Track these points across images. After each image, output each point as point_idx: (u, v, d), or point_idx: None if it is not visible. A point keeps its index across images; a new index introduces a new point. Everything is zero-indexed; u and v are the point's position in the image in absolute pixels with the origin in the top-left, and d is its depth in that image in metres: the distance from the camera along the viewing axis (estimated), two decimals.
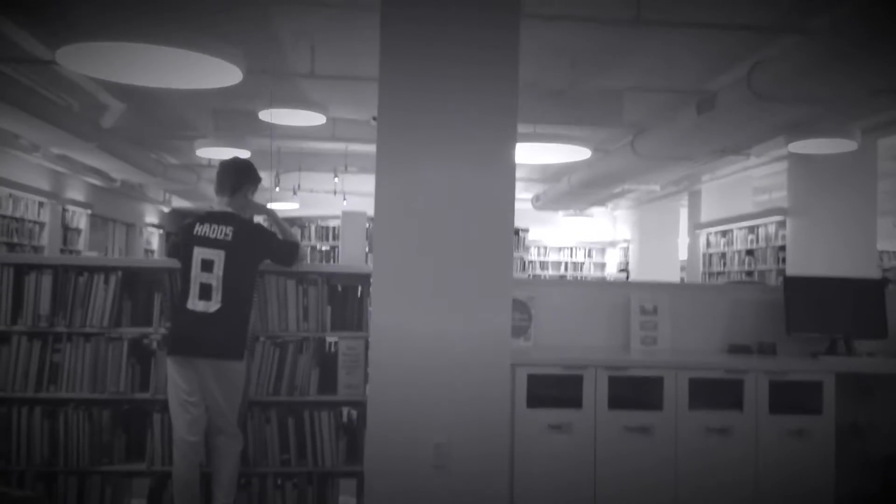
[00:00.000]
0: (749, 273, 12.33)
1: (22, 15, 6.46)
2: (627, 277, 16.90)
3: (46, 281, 3.89)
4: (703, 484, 3.85)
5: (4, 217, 11.24)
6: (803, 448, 3.89)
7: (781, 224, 11.33)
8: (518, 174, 3.91)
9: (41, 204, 12.38)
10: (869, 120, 8.48)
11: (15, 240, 11.49)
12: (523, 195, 15.96)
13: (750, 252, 12.46)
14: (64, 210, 13.33)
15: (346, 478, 4.01)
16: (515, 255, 9.59)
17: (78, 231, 13.98)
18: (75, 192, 13.87)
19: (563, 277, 18.80)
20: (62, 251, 12.94)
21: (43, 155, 11.41)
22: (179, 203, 18.36)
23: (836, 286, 4.55)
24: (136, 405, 3.95)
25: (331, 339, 4.11)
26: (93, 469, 3.85)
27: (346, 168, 13.19)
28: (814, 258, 10.02)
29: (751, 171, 12.12)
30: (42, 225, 12.40)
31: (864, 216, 9.65)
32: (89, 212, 14.35)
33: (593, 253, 19.80)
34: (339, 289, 4.09)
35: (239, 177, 3.90)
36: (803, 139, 8.25)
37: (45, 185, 12.56)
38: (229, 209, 3.85)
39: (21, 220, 11.71)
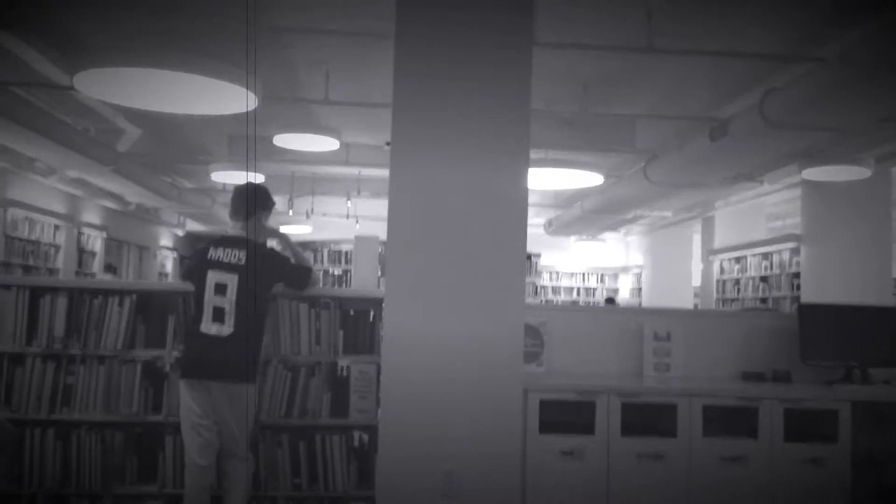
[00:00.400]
0: (763, 300, 12.26)
1: (41, 41, 6.56)
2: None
3: (61, 303, 3.91)
4: None
5: (21, 240, 11.32)
6: (819, 477, 3.85)
7: (795, 251, 11.28)
8: (530, 199, 3.92)
9: (57, 227, 12.48)
10: (882, 148, 8.46)
11: (31, 262, 11.57)
12: (536, 220, 15.97)
13: (764, 279, 12.40)
14: (79, 233, 13.43)
15: (357, 502, 3.99)
16: (527, 280, 9.59)
17: (93, 254, 14.07)
18: (91, 216, 13.98)
19: (575, 303, 18.74)
20: (77, 274, 13.02)
21: (59, 178, 11.52)
22: (194, 226, 18.46)
23: (851, 313, 4.52)
24: (149, 427, 3.96)
25: (343, 363, 4.12)
26: (105, 491, 3.84)
27: (359, 192, 13.25)
28: (828, 285, 9.95)
29: (764, 197, 12.09)
30: (57, 247, 12.49)
31: (879, 243, 9.60)
32: (104, 235, 14.45)
33: (606, 278, 19.75)
34: (352, 313, 4.10)
35: (252, 202, 3.92)
36: (816, 166, 8.23)
37: (60, 208, 12.67)
38: (243, 233, 3.87)
39: (37, 243, 11.80)
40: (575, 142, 8.54)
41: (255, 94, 4.57)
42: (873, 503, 4.09)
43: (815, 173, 8.46)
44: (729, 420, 3.93)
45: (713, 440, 3.86)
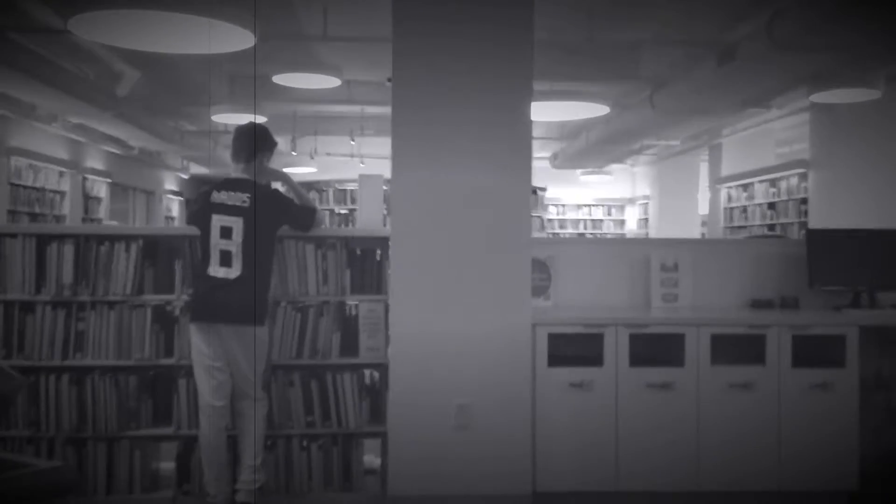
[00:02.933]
0: (771, 227, 12.22)
1: None
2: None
3: (68, 251, 3.91)
4: (726, 438, 3.85)
5: (25, 187, 11.32)
6: (827, 401, 3.88)
7: (803, 176, 11.19)
8: (535, 132, 3.89)
9: (61, 174, 12.46)
10: (892, 67, 8.30)
11: (37, 210, 11.59)
12: (541, 154, 15.85)
13: (771, 206, 12.34)
14: (84, 179, 13.41)
15: (370, 438, 4.05)
16: (534, 214, 9.54)
17: (98, 200, 14.07)
18: (94, 161, 13.94)
19: (582, 236, 18.73)
20: (84, 220, 13.04)
21: (61, 125, 11.45)
22: (198, 170, 18.41)
23: (859, 238, 4.50)
24: (162, 371, 4.00)
25: (351, 302, 4.13)
26: (121, 434, 3.91)
27: (362, 131, 13.15)
28: (836, 211, 9.91)
29: (772, 123, 11.95)
30: (63, 194, 12.48)
31: (889, 167, 9.50)
32: (109, 180, 14.43)
33: (612, 211, 19.69)
34: (358, 252, 4.09)
35: (254, 143, 3.89)
36: (825, 89, 8.11)
37: (64, 154, 12.63)
38: (246, 175, 3.84)
39: (42, 190, 11.79)
40: (580, 71, 8.40)
41: (253, 31, 4.50)
42: (881, 425, 4.14)
43: (823, 96, 8.34)
44: (737, 348, 3.95)
45: (721, 368, 3.89)
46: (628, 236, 18.11)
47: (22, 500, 2.37)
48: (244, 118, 7.36)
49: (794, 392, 3.88)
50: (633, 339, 3.88)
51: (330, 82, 8.25)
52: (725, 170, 14.11)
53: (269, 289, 3.84)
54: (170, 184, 18.33)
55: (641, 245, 5.03)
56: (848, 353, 3.89)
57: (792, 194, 11.63)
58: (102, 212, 14.09)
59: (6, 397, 2.78)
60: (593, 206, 19.63)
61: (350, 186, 15.37)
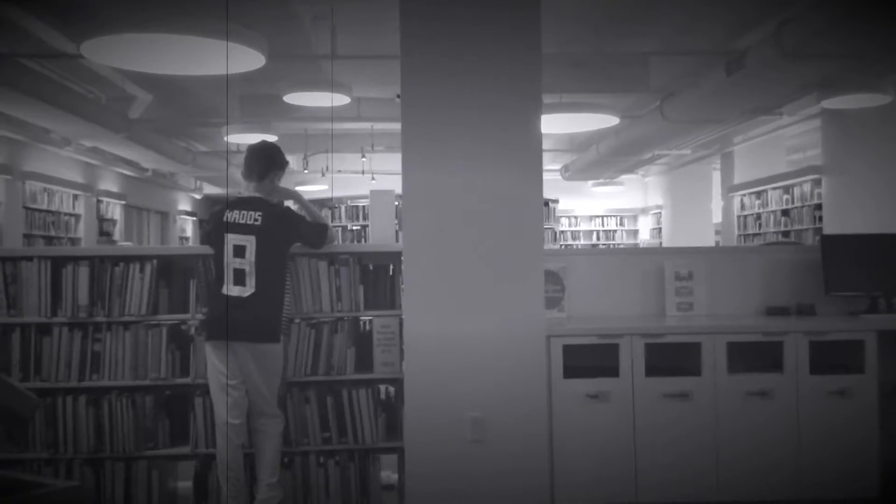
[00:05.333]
0: (785, 234, 12.15)
1: (44, 9, 6.52)
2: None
3: (83, 272, 3.94)
4: (744, 447, 3.82)
5: (40, 211, 11.41)
6: (846, 408, 3.85)
7: (817, 182, 11.13)
8: (545, 145, 3.89)
9: (75, 196, 12.56)
10: None
11: (52, 233, 11.68)
12: (552, 166, 15.85)
13: (785, 212, 12.28)
14: (98, 202, 13.51)
15: (386, 454, 4.04)
16: (546, 226, 9.53)
17: (113, 222, 14.17)
18: (108, 184, 14.04)
19: (595, 247, 18.69)
20: (99, 242, 13.13)
21: (74, 148, 11.56)
22: (211, 190, 18.52)
23: (874, 243, 4.47)
24: (178, 390, 4.01)
25: (365, 318, 4.13)
26: (138, 454, 3.92)
27: (372, 147, 13.20)
28: (851, 216, 9.84)
29: (783, 130, 11.91)
30: (77, 217, 12.58)
31: None
32: (123, 202, 14.53)
33: (625, 221, 19.64)
34: (371, 268, 4.10)
35: (266, 162, 3.91)
36: (836, 95, 8.09)
37: (78, 177, 12.73)
38: (258, 194, 3.87)
39: (57, 214, 11.89)
40: (588, 84, 8.41)
41: (262, 52, 4.53)
42: None
43: (834, 102, 8.32)
44: (754, 356, 3.93)
45: (738, 376, 3.86)
46: (641, 246, 18.05)
47: None
48: (256, 137, 7.42)
49: (812, 399, 3.85)
50: (649, 348, 3.86)
51: (340, 100, 8.30)
52: (738, 178, 14.05)
53: (284, 306, 3.85)
54: (183, 204, 18.43)
55: (655, 254, 5.02)
56: (867, 358, 3.86)
57: (805, 200, 11.57)
58: (117, 233, 14.18)
59: (23, 418, 2.79)
60: (606, 216, 19.59)
61: (362, 202, 15.40)
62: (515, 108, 3.77)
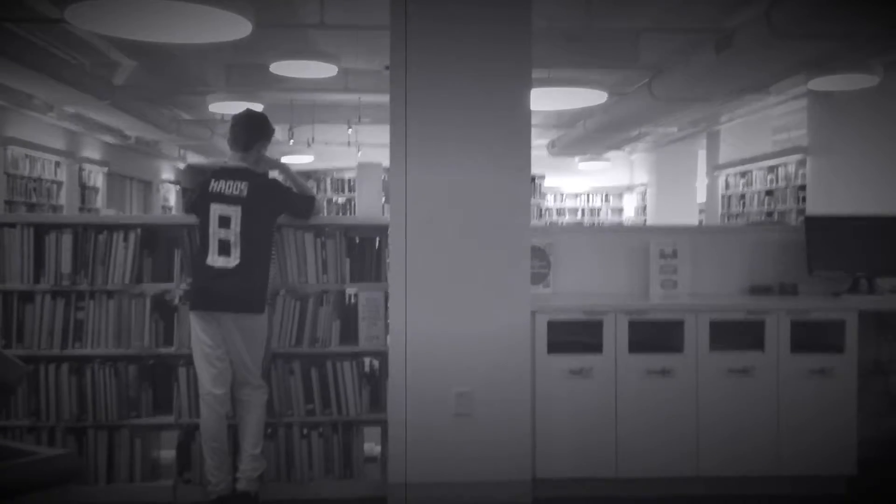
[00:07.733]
0: (769, 214, 12.22)
1: None
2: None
3: (67, 240, 3.91)
4: (725, 424, 3.86)
5: (22, 177, 11.29)
6: (826, 386, 3.89)
7: (802, 163, 11.18)
8: (533, 120, 3.88)
9: (58, 163, 12.43)
10: (890, 55, 8.29)
11: (34, 199, 11.56)
12: (538, 141, 15.82)
13: (769, 192, 12.34)
14: (80, 169, 13.38)
15: (370, 426, 4.06)
16: (532, 202, 9.52)
17: (95, 189, 14.04)
18: (91, 151, 13.89)
19: (580, 223, 18.73)
20: (81, 210, 13.02)
21: (57, 114, 11.41)
22: (195, 158, 18.37)
23: (857, 224, 4.50)
24: (162, 360, 4.00)
25: (350, 290, 4.13)
26: (121, 423, 3.91)
27: (359, 119, 13.12)
28: (835, 197, 9.91)
29: (770, 109, 11.93)
30: (60, 184, 12.45)
31: (886, 152, 9.49)
32: (106, 170, 14.39)
33: (610, 198, 19.68)
34: (357, 241, 4.09)
35: (252, 131, 3.87)
36: (823, 76, 8.10)
37: (60, 144, 12.59)
38: (243, 164, 3.83)
39: (39, 180, 11.77)
40: (578, 59, 8.37)
41: (249, 19, 4.48)
42: (880, 411, 4.16)
43: (821, 83, 8.33)
44: (736, 334, 3.96)
45: (720, 354, 3.90)
46: (626, 224, 18.11)
47: (27, 488, 2.38)
48: (241, 106, 7.36)
49: (792, 377, 3.89)
50: (633, 325, 3.88)
51: (327, 71, 8.22)
52: (723, 157, 14.09)
53: (269, 277, 3.84)
54: (167, 173, 18.28)
55: (640, 232, 5.03)
56: (847, 338, 3.90)
57: (790, 181, 11.62)
58: (100, 201, 14.06)
59: (10, 385, 2.78)
60: (591, 193, 19.62)
61: (348, 175, 15.33)
62: (505, 85, 3.76)
